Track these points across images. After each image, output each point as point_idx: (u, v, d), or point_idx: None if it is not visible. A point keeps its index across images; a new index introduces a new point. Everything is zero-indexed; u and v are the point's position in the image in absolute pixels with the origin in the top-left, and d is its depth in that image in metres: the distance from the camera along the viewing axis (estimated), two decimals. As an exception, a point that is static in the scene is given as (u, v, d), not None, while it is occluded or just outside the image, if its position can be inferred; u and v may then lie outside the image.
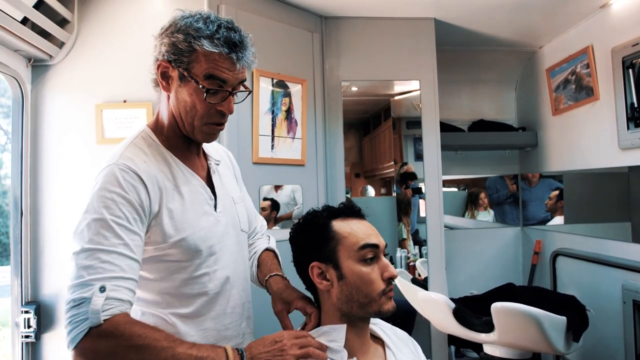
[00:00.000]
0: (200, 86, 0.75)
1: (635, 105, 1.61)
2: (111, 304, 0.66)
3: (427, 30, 1.84)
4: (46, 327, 1.42)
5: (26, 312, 1.38)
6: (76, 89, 1.48)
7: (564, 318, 1.39)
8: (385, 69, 1.86)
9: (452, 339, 1.88)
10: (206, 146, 0.91)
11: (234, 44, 0.75)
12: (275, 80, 1.62)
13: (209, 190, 0.84)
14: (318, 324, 0.83)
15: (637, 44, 1.55)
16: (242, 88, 0.80)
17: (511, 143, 2.30)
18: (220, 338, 0.84)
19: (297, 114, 1.68)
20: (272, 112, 1.61)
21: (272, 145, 1.61)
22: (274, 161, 1.61)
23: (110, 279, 0.67)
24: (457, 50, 2.22)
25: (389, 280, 0.79)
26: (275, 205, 1.63)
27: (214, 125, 0.79)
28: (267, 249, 1.00)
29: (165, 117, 0.83)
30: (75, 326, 0.65)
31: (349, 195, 2.27)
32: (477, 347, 1.73)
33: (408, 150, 2.17)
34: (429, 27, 1.84)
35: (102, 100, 1.48)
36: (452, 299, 1.58)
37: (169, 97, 0.81)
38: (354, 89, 1.99)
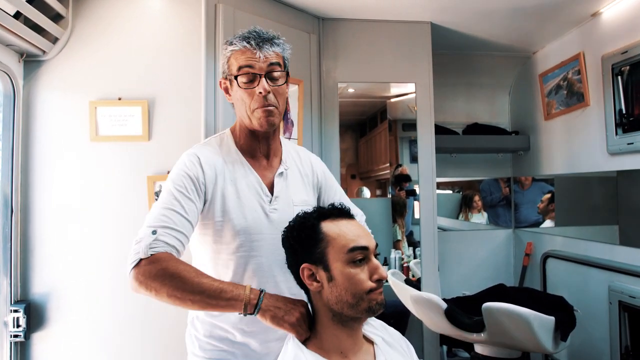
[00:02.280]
0: (239, 76, 0.92)
1: (624, 112, 1.65)
2: (158, 244, 0.83)
3: (424, 33, 1.86)
4: (36, 327, 1.40)
5: (15, 311, 1.36)
6: (70, 86, 1.46)
7: (553, 318, 1.42)
8: (381, 72, 1.87)
9: (444, 339, 1.90)
10: (291, 155, 1.06)
11: (247, 38, 0.92)
12: (272, 81, 1.62)
13: (266, 188, 0.97)
14: (310, 326, 0.84)
15: (626, 51, 1.59)
16: (277, 73, 0.93)
17: (504, 146, 2.34)
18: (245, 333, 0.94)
19: (293, 115, 1.68)
20: (269, 112, 1.61)
21: (268, 146, 1.61)
22: (270, 161, 1.61)
23: (162, 227, 0.85)
24: (453, 54, 2.25)
25: (379, 281, 0.79)
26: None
27: (261, 108, 0.92)
28: None
29: (237, 124, 1.01)
30: (132, 257, 0.83)
31: (344, 196, 2.27)
32: (469, 346, 1.76)
33: (403, 152, 2.18)
34: (426, 30, 1.86)
35: (96, 97, 1.46)
36: (444, 299, 1.60)
37: (234, 105, 0.98)
38: (351, 90, 2.00)
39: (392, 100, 2.12)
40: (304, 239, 0.82)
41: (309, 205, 1.02)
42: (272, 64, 0.92)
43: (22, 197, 1.42)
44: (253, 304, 0.82)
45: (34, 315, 1.40)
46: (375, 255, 0.83)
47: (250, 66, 0.91)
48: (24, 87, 1.44)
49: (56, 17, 1.43)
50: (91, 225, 1.45)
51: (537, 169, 2.26)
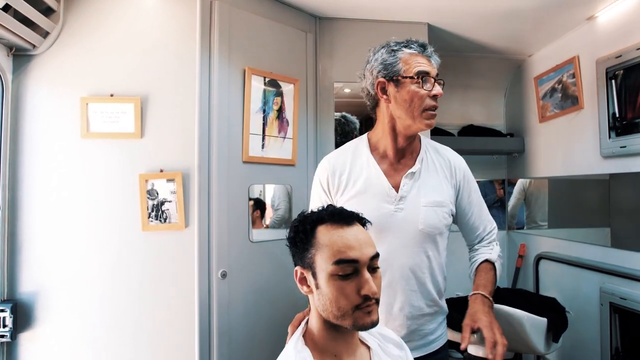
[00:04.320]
0: (415, 78, 1.01)
1: (617, 115, 1.67)
2: None
3: (420, 35, 1.85)
4: (23, 327, 1.37)
5: (1, 310, 1.33)
6: (60, 81, 1.43)
7: (545, 319, 1.42)
8: (377, 72, 1.86)
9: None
10: (430, 154, 1.10)
11: (423, 45, 1.05)
12: (267, 79, 1.61)
13: (391, 187, 1.05)
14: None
15: (620, 56, 1.60)
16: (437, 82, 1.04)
17: (499, 148, 2.35)
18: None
19: (288, 114, 1.67)
20: (264, 111, 1.60)
21: (263, 145, 1.59)
22: (264, 160, 1.60)
23: None
24: (449, 56, 2.24)
25: (366, 297, 0.74)
26: (257, 204, 1.61)
27: (430, 110, 1.03)
28: (486, 260, 1.15)
29: (381, 128, 1.08)
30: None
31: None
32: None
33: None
34: (422, 32, 1.86)
35: (87, 93, 1.44)
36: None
37: (388, 107, 1.05)
38: (347, 90, 1.99)
39: (388, 100, 2.12)
40: (297, 242, 0.80)
41: (440, 206, 1.06)
42: (437, 73, 1.04)
43: (10, 194, 1.39)
44: None
45: (21, 315, 1.37)
46: (375, 268, 0.78)
47: (427, 72, 1.02)
48: (13, 81, 1.41)
49: (47, 11, 1.40)
50: (81, 224, 1.42)
51: (531, 171, 2.27)
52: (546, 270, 2.09)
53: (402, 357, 0.88)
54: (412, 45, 1.04)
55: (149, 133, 1.47)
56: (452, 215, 1.11)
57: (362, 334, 0.86)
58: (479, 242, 1.19)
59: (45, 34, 1.41)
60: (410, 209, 1.04)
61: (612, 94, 1.68)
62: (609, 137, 1.68)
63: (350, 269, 0.74)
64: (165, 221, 1.46)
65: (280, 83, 1.65)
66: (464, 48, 2.16)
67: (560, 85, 1.98)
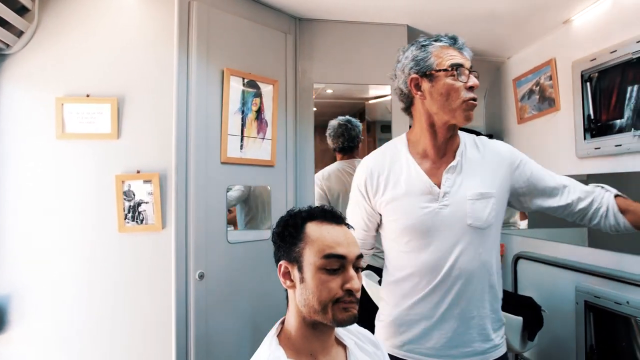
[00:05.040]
0: (449, 70, 0.97)
1: (592, 117, 1.70)
2: None
3: (400, 36, 1.87)
4: (-4, 329, 1.36)
5: (-27, 313, 1.31)
6: (35, 81, 1.42)
7: (521, 318, 1.44)
8: (357, 73, 1.87)
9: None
10: (469, 147, 1.06)
11: (453, 38, 1.02)
12: (246, 80, 1.61)
13: (433, 184, 1.01)
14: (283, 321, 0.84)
15: (595, 59, 1.63)
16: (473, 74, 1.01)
17: (480, 149, 2.37)
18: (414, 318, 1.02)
19: (267, 115, 1.67)
20: (242, 111, 1.60)
21: (241, 145, 1.59)
22: (242, 161, 1.60)
23: None
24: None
25: (349, 292, 0.77)
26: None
27: (470, 101, 0.99)
28: (617, 196, 1.08)
29: (418, 126, 1.05)
30: None
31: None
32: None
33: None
34: (402, 33, 1.88)
35: (63, 93, 1.43)
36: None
37: (423, 104, 1.02)
38: (329, 91, 2.00)
39: (371, 101, 2.13)
40: (286, 236, 0.82)
41: (487, 197, 1.01)
42: (471, 65, 1.02)
43: (-17, 195, 1.38)
44: None
45: (-6, 318, 1.35)
46: (358, 268, 0.81)
47: (461, 64, 0.99)
48: (-14, 81, 1.39)
49: (21, 10, 1.38)
50: (56, 225, 1.41)
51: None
52: (524, 269, 2.12)
53: (379, 355, 0.89)
54: (442, 39, 1.01)
55: (125, 134, 1.46)
56: (505, 204, 1.05)
57: (340, 332, 0.87)
58: (580, 197, 1.07)
59: (19, 34, 1.39)
60: (456, 204, 0.99)
61: (587, 96, 1.71)
62: (584, 138, 1.71)
63: (337, 264, 0.78)
64: (142, 222, 1.45)
65: (260, 84, 1.65)
66: (444, 50, 2.19)
67: (538, 87, 2.01)
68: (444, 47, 1.00)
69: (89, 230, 1.42)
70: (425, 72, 0.99)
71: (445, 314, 1.00)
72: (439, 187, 1.01)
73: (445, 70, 0.98)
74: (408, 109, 1.08)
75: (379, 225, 1.11)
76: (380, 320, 1.12)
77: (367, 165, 1.09)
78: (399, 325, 1.05)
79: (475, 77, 1.00)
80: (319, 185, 1.97)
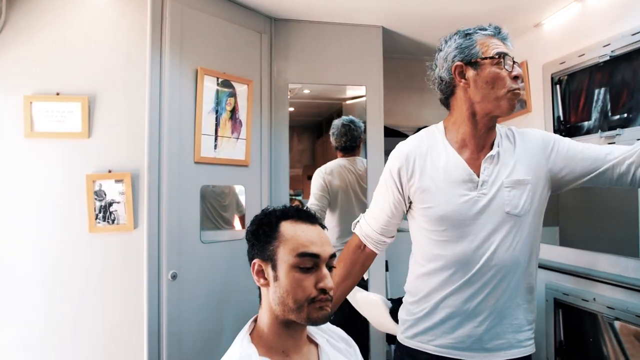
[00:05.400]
0: (495, 58, 0.96)
1: (562, 119, 1.74)
2: (357, 227, 1.17)
3: (375, 37, 1.89)
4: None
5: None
6: (2, 79, 1.39)
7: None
8: (332, 74, 1.88)
9: (391, 338, 1.93)
10: (504, 136, 1.04)
11: (497, 28, 1.01)
12: (220, 80, 1.61)
13: (473, 173, 1.00)
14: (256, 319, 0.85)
15: (564, 62, 1.68)
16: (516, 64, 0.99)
17: (457, 150, 2.41)
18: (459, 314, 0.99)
19: (242, 115, 1.68)
20: (216, 111, 1.60)
21: (215, 145, 1.59)
22: (216, 161, 1.60)
23: (365, 216, 1.17)
24: (405, 59, 2.29)
25: (323, 290, 0.78)
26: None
27: (515, 91, 0.97)
28: None
29: (459, 115, 1.03)
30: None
31: (300, 198, 2.29)
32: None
33: (360, 153, 2.22)
34: (377, 34, 1.89)
35: (32, 91, 1.41)
36: (390, 299, 1.63)
37: (466, 92, 1.00)
38: (306, 91, 2.01)
39: (348, 102, 2.15)
40: (260, 235, 0.82)
41: (523, 184, 0.99)
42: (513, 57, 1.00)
43: (-53, 195, 1.35)
44: None
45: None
46: (331, 267, 0.82)
47: (507, 53, 0.97)
48: (-49, 79, 1.37)
49: (-12, 8, 1.36)
50: (23, 226, 1.39)
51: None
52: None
53: (351, 353, 0.90)
54: (487, 28, 1.01)
55: (96, 133, 1.45)
56: (544, 192, 1.02)
57: (312, 330, 0.87)
58: (625, 156, 0.98)
59: (-15, 31, 1.37)
60: (494, 193, 0.98)
61: (557, 99, 1.75)
62: (554, 139, 1.75)
63: (310, 263, 0.78)
64: (113, 222, 1.44)
65: (234, 84, 1.65)
66: (418, 51, 2.21)
67: (512, 89, 2.05)
68: (488, 36, 0.99)
69: (58, 230, 1.40)
70: (470, 60, 0.98)
71: (479, 306, 0.98)
72: (478, 176, 1.00)
73: (491, 58, 0.96)
74: (447, 99, 1.06)
75: (405, 214, 1.10)
76: (409, 314, 1.07)
77: (404, 149, 1.05)
78: (430, 318, 1.02)
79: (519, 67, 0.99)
80: (321, 177, 2.03)
